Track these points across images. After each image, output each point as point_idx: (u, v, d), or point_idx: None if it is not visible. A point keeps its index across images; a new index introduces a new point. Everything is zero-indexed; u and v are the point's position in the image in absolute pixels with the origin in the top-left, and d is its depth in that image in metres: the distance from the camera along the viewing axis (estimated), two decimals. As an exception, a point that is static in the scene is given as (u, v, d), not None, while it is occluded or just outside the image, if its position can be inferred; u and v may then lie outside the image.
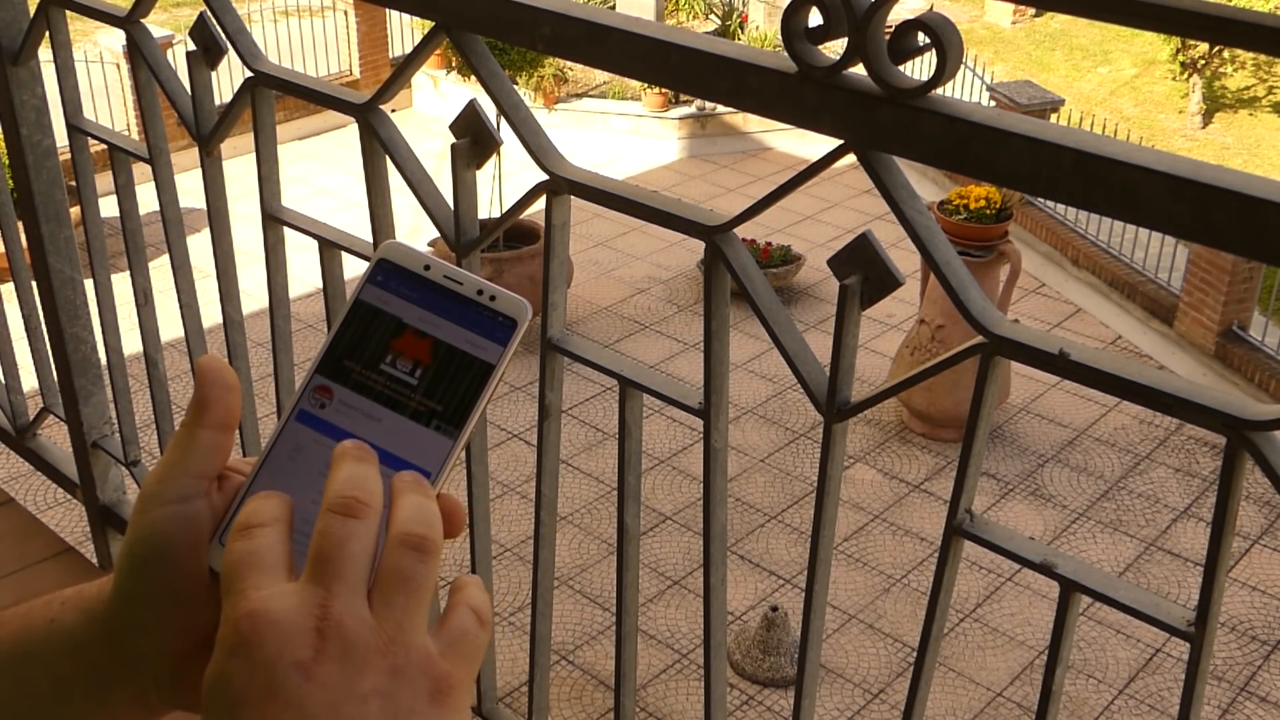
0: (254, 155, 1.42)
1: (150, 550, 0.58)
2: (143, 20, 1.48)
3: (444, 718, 0.51)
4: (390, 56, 13.67)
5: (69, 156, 1.74)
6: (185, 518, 0.58)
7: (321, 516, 0.53)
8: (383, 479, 0.58)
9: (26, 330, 2.05)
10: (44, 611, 0.62)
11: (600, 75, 13.36)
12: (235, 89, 1.39)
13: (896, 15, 0.81)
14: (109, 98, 11.39)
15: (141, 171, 1.61)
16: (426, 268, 0.61)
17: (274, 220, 1.46)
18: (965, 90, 12.12)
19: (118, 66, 11.31)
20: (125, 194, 1.70)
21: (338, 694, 0.49)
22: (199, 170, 1.51)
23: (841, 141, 0.92)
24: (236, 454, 0.63)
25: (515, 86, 1.27)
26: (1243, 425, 0.83)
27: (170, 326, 1.99)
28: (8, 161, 1.80)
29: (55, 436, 2.23)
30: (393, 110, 11.82)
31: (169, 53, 9.58)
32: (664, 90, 12.36)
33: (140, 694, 0.60)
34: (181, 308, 1.70)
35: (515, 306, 0.60)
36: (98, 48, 11.65)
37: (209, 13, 1.37)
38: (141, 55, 1.51)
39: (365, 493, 0.54)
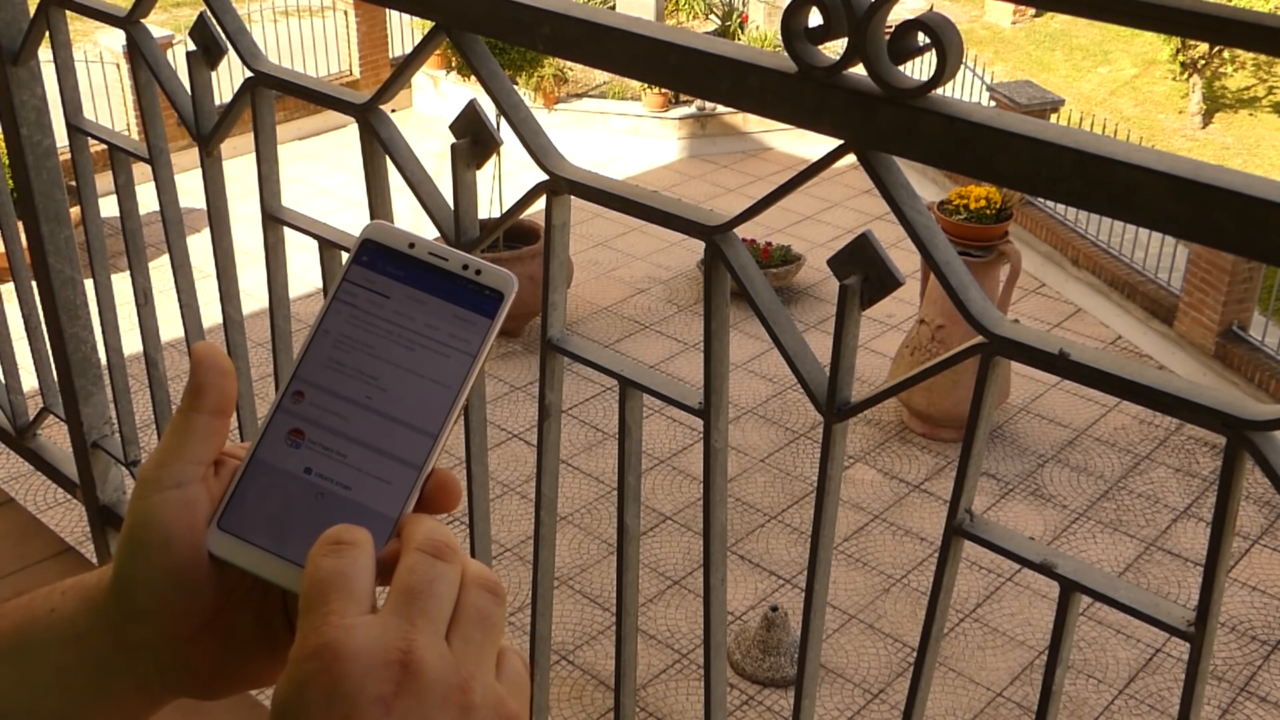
0: (254, 155, 1.42)
1: (148, 535, 0.58)
2: (143, 20, 1.48)
3: None
4: (390, 56, 13.67)
5: (69, 156, 1.73)
6: (183, 502, 0.59)
7: (410, 554, 0.55)
8: (382, 456, 0.59)
9: (26, 330, 2.05)
10: (44, 602, 0.62)
11: (600, 75, 13.36)
12: (235, 89, 1.39)
13: (896, 15, 0.81)
14: (109, 98, 11.40)
15: (141, 171, 1.61)
16: (411, 245, 0.61)
17: (274, 220, 1.46)
18: (965, 90, 12.12)
19: (118, 66, 11.31)
20: (125, 194, 1.69)
21: None
22: (199, 170, 1.51)
23: (841, 141, 0.92)
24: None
25: (515, 86, 1.27)
26: (1243, 425, 0.83)
27: (170, 326, 1.99)
28: (8, 161, 1.79)
29: (55, 436, 2.23)
30: (393, 110, 11.82)
31: (169, 53, 9.58)
32: (664, 90, 12.36)
33: (143, 681, 0.60)
34: (181, 308, 1.70)
35: (501, 279, 0.60)
36: (98, 48, 11.65)
37: (209, 13, 1.37)
38: (141, 55, 1.51)
39: (453, 541, 0.56)
